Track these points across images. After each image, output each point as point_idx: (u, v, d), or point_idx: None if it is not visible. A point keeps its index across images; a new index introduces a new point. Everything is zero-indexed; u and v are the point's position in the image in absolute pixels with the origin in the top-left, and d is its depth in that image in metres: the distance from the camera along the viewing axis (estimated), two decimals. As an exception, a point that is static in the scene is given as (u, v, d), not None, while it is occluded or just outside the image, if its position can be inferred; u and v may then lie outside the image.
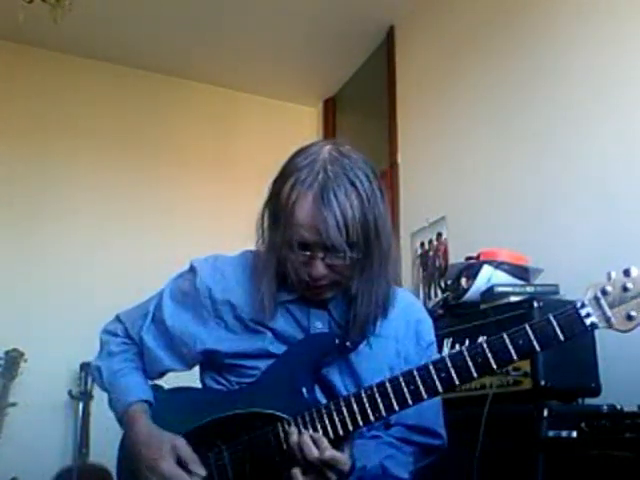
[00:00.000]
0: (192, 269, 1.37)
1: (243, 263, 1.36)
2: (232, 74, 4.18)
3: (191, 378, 1.40)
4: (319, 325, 1.29)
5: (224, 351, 1.29)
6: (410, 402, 1.13)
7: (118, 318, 1.47)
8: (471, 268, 2.20)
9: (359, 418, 1.15)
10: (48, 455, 3.28)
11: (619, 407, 1.59)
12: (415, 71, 3.48)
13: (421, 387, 1.12)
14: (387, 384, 1.14)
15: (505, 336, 1.10)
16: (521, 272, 2.16)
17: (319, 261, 1.18)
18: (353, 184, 1.16)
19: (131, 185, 3.90)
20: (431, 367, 1.13)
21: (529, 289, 2.03)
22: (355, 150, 1.24)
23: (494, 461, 1.70)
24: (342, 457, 1.13)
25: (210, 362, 1.34)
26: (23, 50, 3.79)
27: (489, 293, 2.06)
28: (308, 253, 1.18)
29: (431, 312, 2.29)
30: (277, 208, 1.20)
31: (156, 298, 1.41)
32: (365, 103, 4.12)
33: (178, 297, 1.37)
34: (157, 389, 1.40)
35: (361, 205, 1.16)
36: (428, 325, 1.43)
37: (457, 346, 2.03)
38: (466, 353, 1.11)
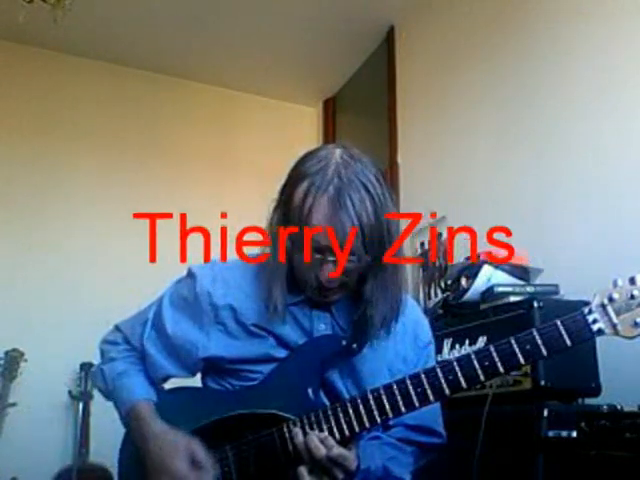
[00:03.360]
0: (191, 275, 1.36)
1: (242, 268, 1.36)
2: (232, 74, 4.18)
3: (192, 379, 1.40)
4: (322, 327, 1.29)
5: (227, 357, 1.29)
6: (417, 404, 1.14)
7: (117, 328, 1.46)
8: (471, 268, 2.20)
9: (365, 419, 1.15)
10: (48, 455, 3.28)
11: (619, 407, 1.59)
12: (415, 71, 3.48)
13: (428, 390, 1.13)
14: (394, 386, 1.15)
15: (513, 341, 1.10)
16: (521, 272, 2.16)
17: (331, 264, 1.19)
18: (366, 188, 1.18)
19: (131, 185, 3.90)
20: (438, 370, 1.13)
21: (529, 289, 2.03)
22: (362, 153, 1.25)
23: (494, 461, 1.70)
24: (350, 454, 1.13)
25: (212, 367, 1.33)
26: (23, 50, 3.79)
27: (489, 293, 2.06)
28: (320, 256, 1.18)
29: (431, 312, 2.30)
30: (289, 212, 1.20)
31: (155, 305, 1.40)
32: (365, 103, 4.11)
33: (178, 303, 1.36)
34: (157, 390, 1.39)
35: (375, 209, 1.17)
36: (425, 325, 1.43)
37: (457, 346, 2.03)
38: (474, 356, 1.12)
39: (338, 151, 1.22)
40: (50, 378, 3.35)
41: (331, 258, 1.18)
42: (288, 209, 1.21)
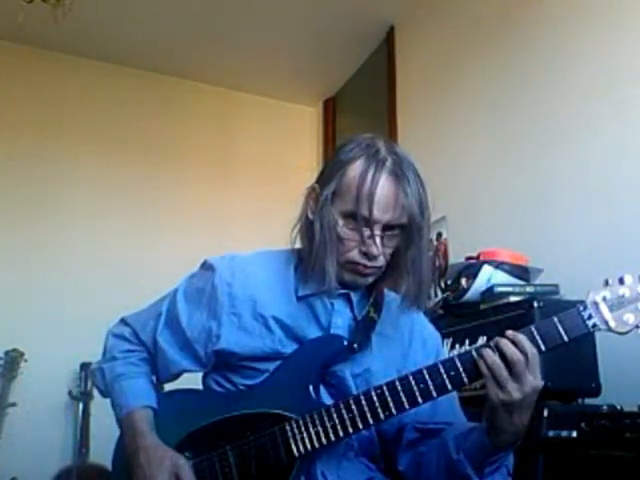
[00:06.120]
0: (209, 267, 1.36)
1: (261, 261, 1.37)
2: (232, 74, 4.18)
3: (190, 381, 1.40)
4: (339, 322, 1.30)
5: (239, 353, 1.28)
6: (420, 400, 1.14)
7: (124, 321, 1.45)
8: (471, 268, 2.20)
9: (369, 416, 1.16)
10: (48, 455, 3.28)
11: (619, 407, 1.59)
12: (415, 71, 3.48)
13: (431, 386, 1.14)
14: (397, 382, 1.15)
15: None
16: (521, 272, 2.16)
17: (379, 239, 1.22)
18: (413, 166, 1.25)
19: (131, 185, 3.90)
20: (440, 366, 1.14)
21: (529, 289, 2.03)
22: None
23: (494, 461, 1.70)
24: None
25: (221, 363, 1.32)
26: (23, 50, 3.79)
27: (489, 293, 2.06)
28: (369, 231, 1.21)
29: (431, 312, 2.29)
30: (342, 190, 1.23)
31: (168, 299, 1.39)
32: (365, 103, 4.12)
33: (192, 296, 1.36)
34: (157, 392, 1.38)
35: (422, 186, 1.25)
36: (432, 329, 1.43)
37: (457, 346, 2.03)
38: (474, 352, 1.13)
39: (373, 136, 1.28)
40: (50, 378, 3.35)
41: (378, 233, 1.21)
42: (341, 188, 1.23)
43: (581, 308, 1.11)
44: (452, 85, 3.12)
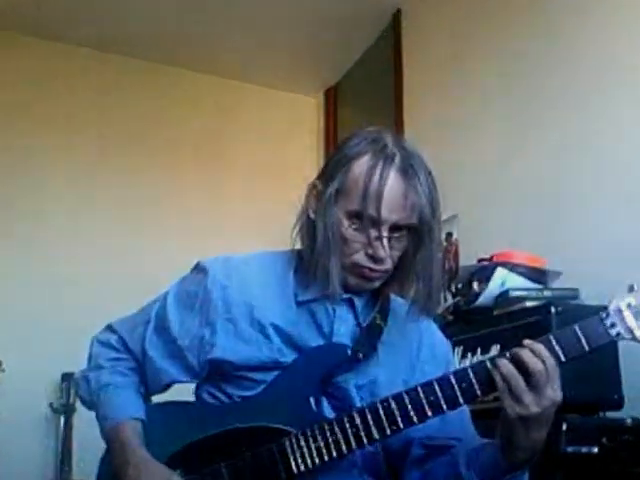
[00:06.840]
0: (202, 269, 1.36)
1: (258, 263, 1.37)
2: (228, 62, 4.18)
3: (183, 393, 1.40)
4: (342, 330, 1.30)
5: (235, 362, 1.27)
6: (430, 414, 1.14)
7: (111, 328, 1.44)
8: (484, 271, 2.20)
9: (374, 431, 1.15)
10: (28, 472, 3.28)
11: (643, 421, 1.59)
12: (423, 58, 3.47)
13: (441, 398, 1.13)
14: (404, 395, 1.15)
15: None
16: (538, 275, 2.16)
17: (386, 240, 1.22)
18: (424, 162, 1.25)
19: (125, 180, 3.91)
20: (452, 377, 1.14)
21: (546, 293, 2.04)
22: None
23: (509, 479, 1.70)
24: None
25: (215, 373, 1.32)
26: (8, 36, 3.78)
27: (503, 298, 2.06)
28: (376, 232, 1.21)
29: (440, 318, 2.29)
30: (347, 189, 1.23)
31: (158, 304, 1.39)
32: (369, 92, 4.12)
33: (184, 301, 1.35)
34: (147, 404, 1.38)
35: (433, 184, 1.25)
36: (441, 336, 1.43)
37: (468, 355, 2.03)
38: (488, 362, 1.12)
39: (380, 130, 1.28)
40: (29, 390, 3.35)
41: (385, 234, 1.21)
42: (346, 185, 1.23)
43: (603, 315, 1.10)
44: (462, 73, 3.12)
